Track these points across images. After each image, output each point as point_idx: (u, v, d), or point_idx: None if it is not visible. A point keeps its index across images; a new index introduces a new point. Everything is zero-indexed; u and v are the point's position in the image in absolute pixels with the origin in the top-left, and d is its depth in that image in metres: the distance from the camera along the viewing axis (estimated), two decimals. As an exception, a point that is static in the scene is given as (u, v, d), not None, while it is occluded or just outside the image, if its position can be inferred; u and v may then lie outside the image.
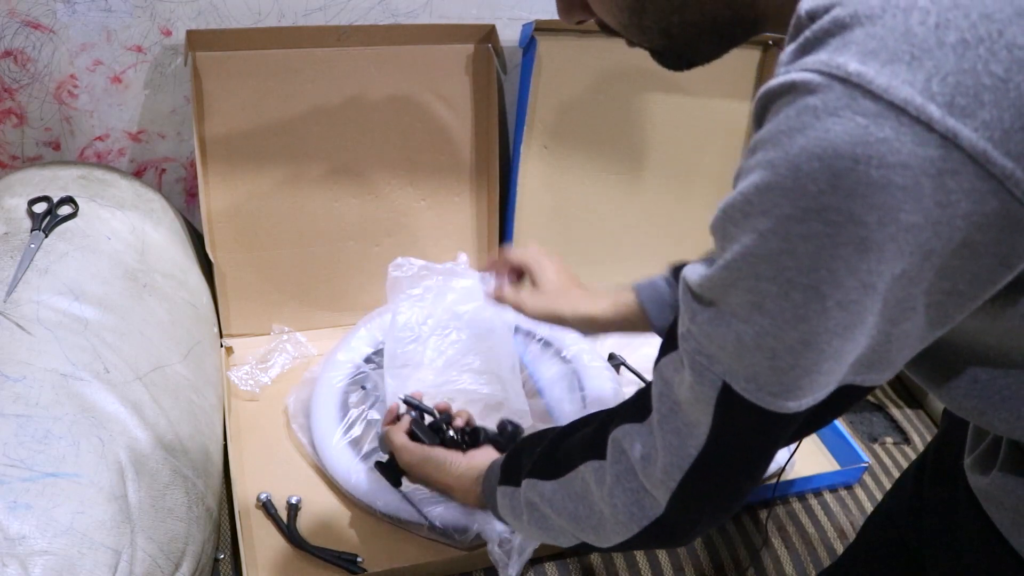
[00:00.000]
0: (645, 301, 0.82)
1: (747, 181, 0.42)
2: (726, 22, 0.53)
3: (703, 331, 0.48)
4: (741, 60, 1.33)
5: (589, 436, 0.63)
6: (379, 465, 0.93)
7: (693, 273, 0.49)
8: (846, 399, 0.49)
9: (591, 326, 0.86)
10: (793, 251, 0.41)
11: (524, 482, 0.68)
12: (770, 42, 1.31)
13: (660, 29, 0.55)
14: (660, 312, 0.81)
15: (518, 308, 0.87)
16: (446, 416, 0.93)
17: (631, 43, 0.59)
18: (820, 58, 0.39)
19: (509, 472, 0.72)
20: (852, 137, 0.38)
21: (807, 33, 0.41)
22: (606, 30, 0.59)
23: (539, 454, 0.68)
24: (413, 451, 0.88)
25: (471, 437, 0.90)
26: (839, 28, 0.39)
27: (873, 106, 0.37)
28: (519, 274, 0.92)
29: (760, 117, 0.43)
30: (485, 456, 0.84)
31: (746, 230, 0.42)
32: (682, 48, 0.57)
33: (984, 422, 0.54)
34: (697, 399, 0.50)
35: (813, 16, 0.41)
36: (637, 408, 0.58)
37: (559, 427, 0.71)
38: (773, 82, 0.41)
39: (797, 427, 0.50)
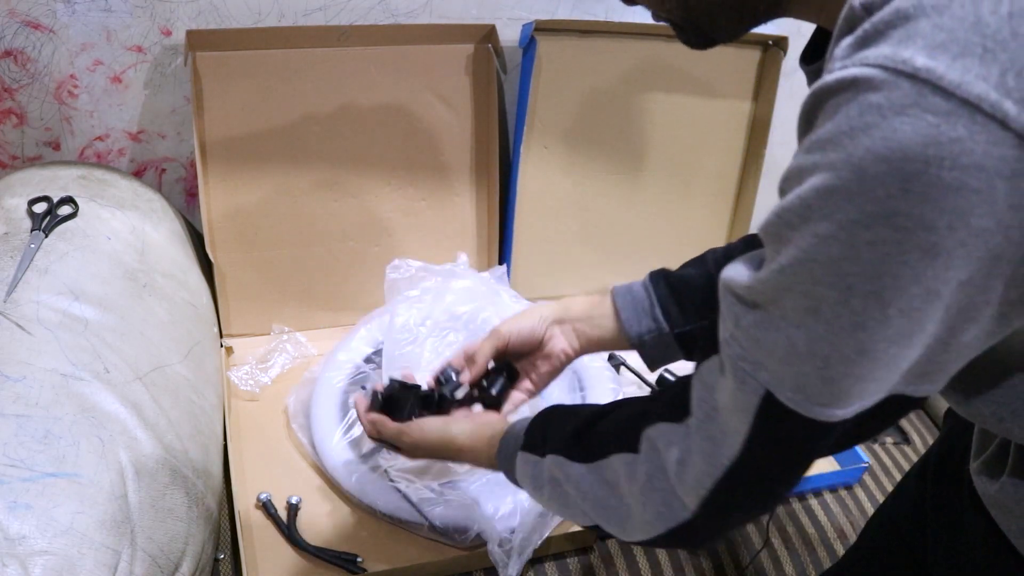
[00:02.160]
0: (621, 306, 0.76)
1: (806, 184, 0.40)
2: None
3: (749, 336, 0.46)
4: (741, 60, 1.33)
5: (623, 426, 0.60)
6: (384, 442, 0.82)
7: (737, 275, 0.46)
8: (896, 410, 0.47)
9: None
10: (857, 257, 0.39)
11: (550, 457, 0.65)
12: (770, 42, 1.31)
13: None
14: (635, 317, 0.76)
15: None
16: (448, 378, 0.83)
17: (657, 17, 0.57)
18: (882, 52, 0.37)
19: (533, 440, 0.69)
20: (923, 137, 0.35)
21: (865, 26, 0.38)
22: None
23: (570, 433, 0.64)
24: (424, 433, 0.79)
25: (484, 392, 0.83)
26: (902, 19, 0.37)
27: (944, 104, 0.35)
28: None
29: (811, 116, 0.41)
30: (489, 417, 0.80)
31: (805, 234, 0.40)
32: (701, 21, 0.55)
33: (1002, 429, 0.53)
34: (737, 407, 0.48)
35: (870, 8, 0.39)
36: (674, 407, 0.55)
37: (591, 405, 0.68)
38: (829, 78, 0.39)
39: (840, 436, 0.48)
